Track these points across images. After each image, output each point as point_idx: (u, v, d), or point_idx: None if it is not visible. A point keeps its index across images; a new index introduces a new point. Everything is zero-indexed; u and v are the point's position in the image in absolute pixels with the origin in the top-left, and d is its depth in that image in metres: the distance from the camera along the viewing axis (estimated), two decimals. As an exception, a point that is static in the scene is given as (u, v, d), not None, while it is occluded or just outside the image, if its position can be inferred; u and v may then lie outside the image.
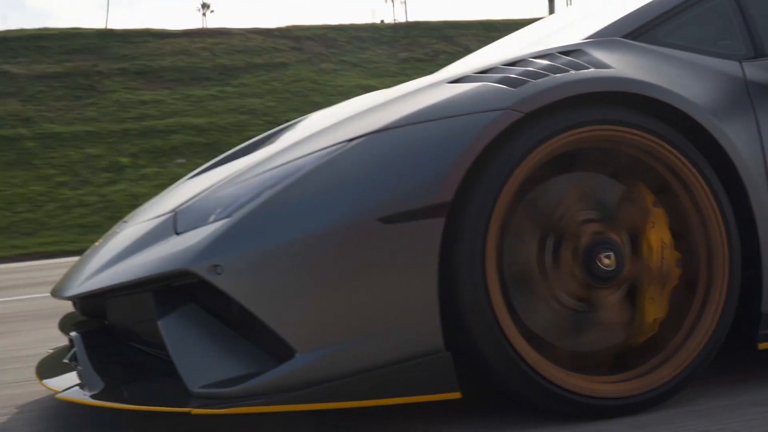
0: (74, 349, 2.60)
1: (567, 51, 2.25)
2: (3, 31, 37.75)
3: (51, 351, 3.01)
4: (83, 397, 2.18)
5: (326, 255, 1.98)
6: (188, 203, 2.28)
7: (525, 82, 2.09)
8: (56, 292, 2.56)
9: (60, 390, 2.27)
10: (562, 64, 2.17)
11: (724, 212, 2.19)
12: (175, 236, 2.18)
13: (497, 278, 2.03)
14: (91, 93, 32.22)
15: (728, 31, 2.46)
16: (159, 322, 2.10)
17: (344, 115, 2.36)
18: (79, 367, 2.44)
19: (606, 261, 2.13)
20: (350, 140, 2.09)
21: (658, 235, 2.18)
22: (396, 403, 2.00)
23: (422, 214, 1.98)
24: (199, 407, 1.97)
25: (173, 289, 2.13)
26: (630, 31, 2.38)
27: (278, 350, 1.99)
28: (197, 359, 2.05)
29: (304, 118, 2.99)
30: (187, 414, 2.00)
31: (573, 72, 2.13)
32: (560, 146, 2.09)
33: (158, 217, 2.34)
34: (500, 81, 2.12)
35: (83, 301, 2.43)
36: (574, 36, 2.43)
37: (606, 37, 2.36)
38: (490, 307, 2.00)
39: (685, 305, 2.20)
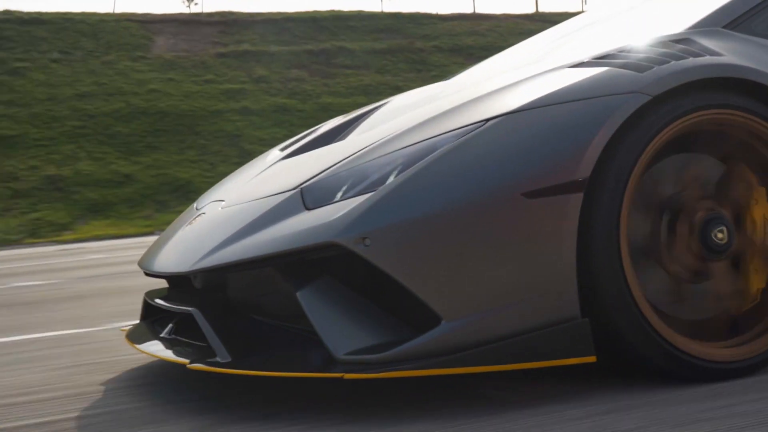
0: (170, 325, 2.68)
1: (678, 39, 2.40)
2: (325, 11, 46.25)
3: (133, 325, 3.06)
4: (216, 366, 2.25)
5: (471, 227, 2.08)
6: (313, 180, 2.37)
7: (650, 67, 2.23)
8: (158, 267, 2.62)
9: (188, 361, 2.34)
10: (678, 51, 2.31)
11: None
12: (306, 212, 2.27)
13: (628, 249, 2.16)
14: (427, 66, 39.09)
15: None
16: (298, 294, 2.18)
17: (449, 96, 2.47)
18: (180, 339, 2.53)
19: (720, 235, 2.28)
20: (486, 120, 2.20)
21: (761, 211, 2.34)
22: (536, 366, 2.12)
23: (563, 189, 2.10)
24: (345, 373, 2.07)
25: (308, 263, 2.22)
26: (728, 22, 2.54)
27: (419, 319, 2.10)
28: (339, 328, 2.14)
29: (392, 99, 3.09)
30: (338, 379, 2.10)
31: (692, 59, 2.27)
32: (683, 128, 2.23)
33: (280, 193, 2.42)
34: (624, 66, 2.25)
35: (206, 275, 2.49)
36: (672, 26, 2.57)
37: (708, 27, 2.51)
38: (623, 275, 2.13)
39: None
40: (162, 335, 2.68)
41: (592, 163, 2.11)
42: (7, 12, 40.73)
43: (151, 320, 2.96)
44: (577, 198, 2.10)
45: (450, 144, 2.17)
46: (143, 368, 3.00)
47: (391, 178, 2.18)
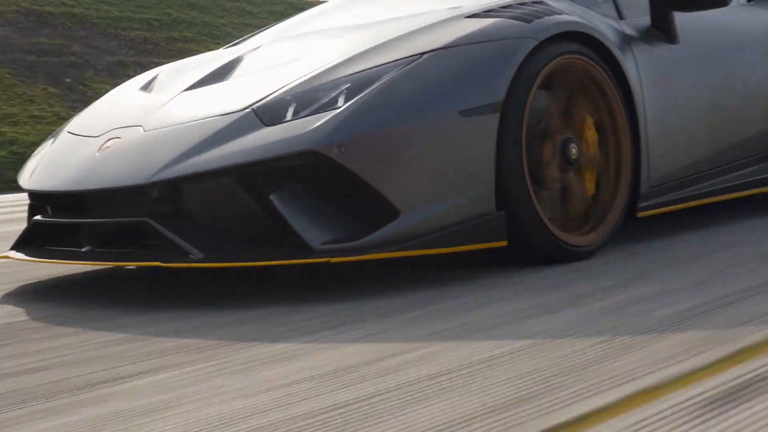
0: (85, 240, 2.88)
1: (533, 1, 3.08)
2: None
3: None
4: (192, 262, 2.57)
5: (421, 138, 2.62)
6: (263, 102, 2.73)
7: (533, 20, 2.89)
8: (92, 183, 2.81)
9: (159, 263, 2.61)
10: (543, 9, 2.99)
11: (624, 114, 3.14)
12: (266, 127, 2.65)
13: (527, 161, 2.80)
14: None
15: (605, 4, 3.45)
16: (272, 196, 2.57)
17: (367, 32, 3.04)
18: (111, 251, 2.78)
19: (573, 151, 2.99)
20: (421, 54, 2.73)
21: (592, 133, 3.09)
22: (470, 249, 2.70)
23: (487, 109, 2.70)
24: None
25: (278, 170, 2.60)
26: (563, -10, 3.29)
27: (380, 213, 2.58)
28: (312, 224, 2.57)
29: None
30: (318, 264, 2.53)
31: (555, 15, 2.97)
32: (551, 68, 2.91)
33: (228, 114, 2.74)
34: (513, 17, 2.89)
35: (163, 186, 2.72)
36: None
37: (551, -7, 3.24)
38: (525, 181, 2.77)
39: (606, 185, 3.13)
40: (83, 250, 2.87)
41: (505, 90, 2.73)
42: None
43: (37, 244, 3.09)
44: (496, 117, 2.71)
45: (394, 72, 2.68)
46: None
47: (341, 100, 2.64)
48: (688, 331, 1.91)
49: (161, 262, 2.64)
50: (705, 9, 3.49)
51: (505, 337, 1.97)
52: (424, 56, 2.73)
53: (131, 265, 2.73)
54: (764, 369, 1.59)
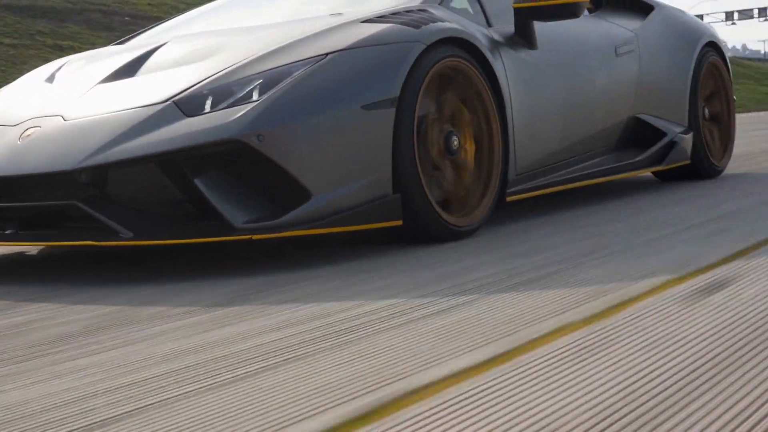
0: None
1: (419, 9, 3.47)
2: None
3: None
4: (122, 241, 2.83)
5: (329, 129, 2.97)
6: (183, 95, 3.01)
7: (420, 26, 3.27)
8: (20, 169, 3.01)
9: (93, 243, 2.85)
10: (428, 17, 3.38)
11: (495, 111, 3.57)
12: (188, 118, 2.93)
13: (418, 150, 3.17)
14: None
15: (476, 13, 3.88)
16: (196, 180, 2.86)
17: (271, 32, 3.37)
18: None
19: (455, 143, 3.40)
20: (326, 54, 3.07)
21: (469, 127, 3.50)
22: (372, 227, 3.06)
23: (386, 104, 3.07)
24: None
25: (201, 156, 2.89)
26: (441, 0, 3.67)
27: (295, 195, 2.91)
28: (233, 205, 2.87)
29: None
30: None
31: (439, 23, 3.36)
32: (437, 69, 3.30)
33: (149, 105, 3.00)
34: (404, 23, 3.27)
35: (91, 172, 2.94)
36: (391, 1, 3.66)
37: (434, 3, 3.62)
38: (417, 167, 3.15)
39: (481, 173, 3.55)
40: (7, 233, 3.06)
41: (399, 87, 3.10)
42: None
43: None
44: (393, 111, 3.08)
45: (303, 70, 3.01)
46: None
47: (255, 94, 2.95)
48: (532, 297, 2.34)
49: (93, 241, 2.87)
50: (560, 20, 3.97)
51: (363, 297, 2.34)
52: (329, 56, 3.08)
53: (66, 245, 2.94)
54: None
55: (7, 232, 3.07)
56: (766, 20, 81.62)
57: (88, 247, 2.94)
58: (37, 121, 3.21)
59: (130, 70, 3.42)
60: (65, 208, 2.96)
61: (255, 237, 2.84)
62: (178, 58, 3.40)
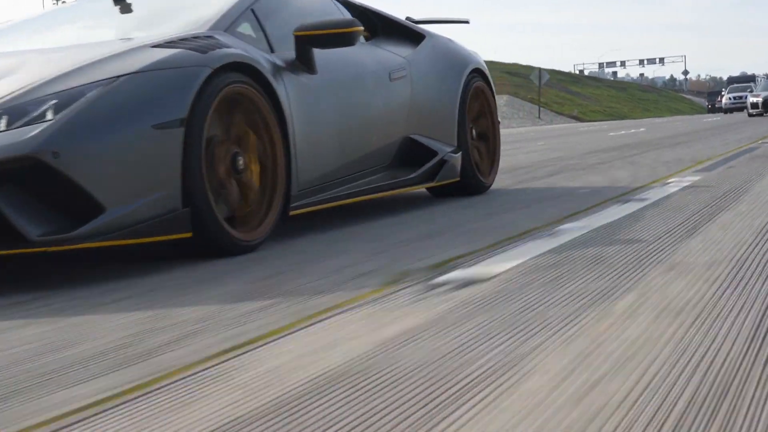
0: None
1: (207, 36, 3.71)
2: None
3: None
4: None
5: (123, 146, 3.17)
6: (-27, 114, 3.12)
7: (207, 51, 3.51)
8: None
9: None
10: (215, 43, 3.62)
11: (278, 132, 3.85)
12: None
13: (206, 168, 3.41)
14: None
15: (260, 40, 4.15)
16: (-8, 195, 2.99)
17: (65, 56, 3.49)
18: None
19: (240, 162, 3.65)
20: (118, 76, 3.26)
21: (254, 148, 3.77)
22: (164, 239, 3.26)
23: (175, 124, 3.29)
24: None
25: (-3, 172, 3.02)
26: (226, 28, 3.92)
27: (90, 209, 3.08)
28: (29, 218, 3.01)
29: None
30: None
31: (225, 48, 3.61)
32: (227, 92, 3.54)
33: None
34: (192, 48, 3.49)
35: None
36: (194, 27, 3.87)
37: (217, 30, 3.86)
38: (203, 181, 3.38)
39: (265, 190, 3.81)
40: None
41: (188, 108, 3.33)
42: None
43: None
44: (182, 130, 3.31)
45: (96, 91, 3.19)
46: None
47: (50, 114, 3.11)
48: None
49: None
50: (337, 47, 4.30)
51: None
52: (121, 78, 3.27)
53: None
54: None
55: None
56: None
57: None
58: None
59: None
60: None
61: (50, 249, 2.99)
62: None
